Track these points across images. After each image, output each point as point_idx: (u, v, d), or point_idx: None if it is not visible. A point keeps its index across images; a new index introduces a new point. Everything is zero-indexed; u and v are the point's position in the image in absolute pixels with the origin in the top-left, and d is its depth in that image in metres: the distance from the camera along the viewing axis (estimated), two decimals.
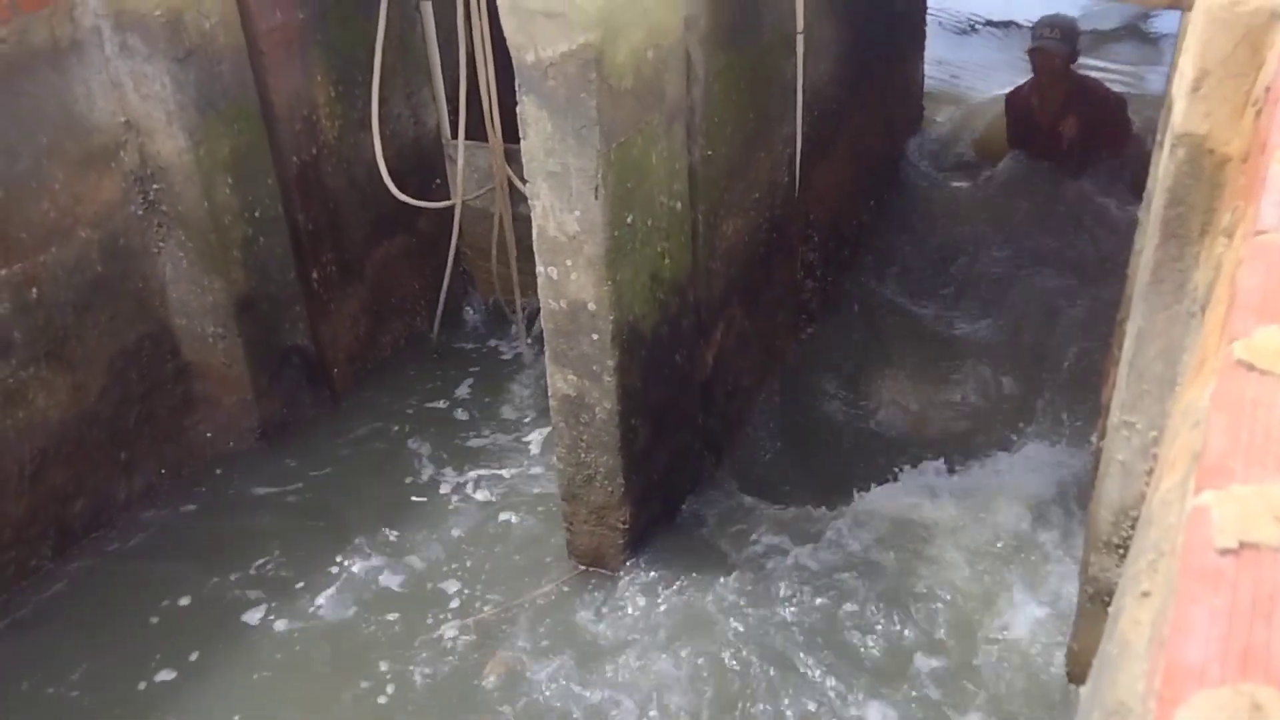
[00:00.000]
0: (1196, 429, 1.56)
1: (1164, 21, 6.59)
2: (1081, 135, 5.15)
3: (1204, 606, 0.95)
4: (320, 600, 3.35)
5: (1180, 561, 1.04)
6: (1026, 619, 3.11)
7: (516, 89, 2.77)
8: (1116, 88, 5.69)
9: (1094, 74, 5.82)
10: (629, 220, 2.91)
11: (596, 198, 2.79)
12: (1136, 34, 6.68)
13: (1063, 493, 3.52)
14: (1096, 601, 2.39)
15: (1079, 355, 4.18)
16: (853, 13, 4.26)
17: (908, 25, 5.61)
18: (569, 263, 2.90)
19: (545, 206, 2.87)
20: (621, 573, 3.33)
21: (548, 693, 3.01)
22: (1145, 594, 1.45)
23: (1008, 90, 5.58)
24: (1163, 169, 2.15)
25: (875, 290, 4.73)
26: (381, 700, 3.05)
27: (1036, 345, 4.34)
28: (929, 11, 5.89)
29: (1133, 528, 2.23)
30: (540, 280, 2.98)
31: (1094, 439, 3.34)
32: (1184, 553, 1.04)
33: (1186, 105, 2.02)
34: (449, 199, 4.26)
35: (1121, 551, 2.27)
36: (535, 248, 2.95)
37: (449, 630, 3.23)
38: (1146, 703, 1.06)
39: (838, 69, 4.27)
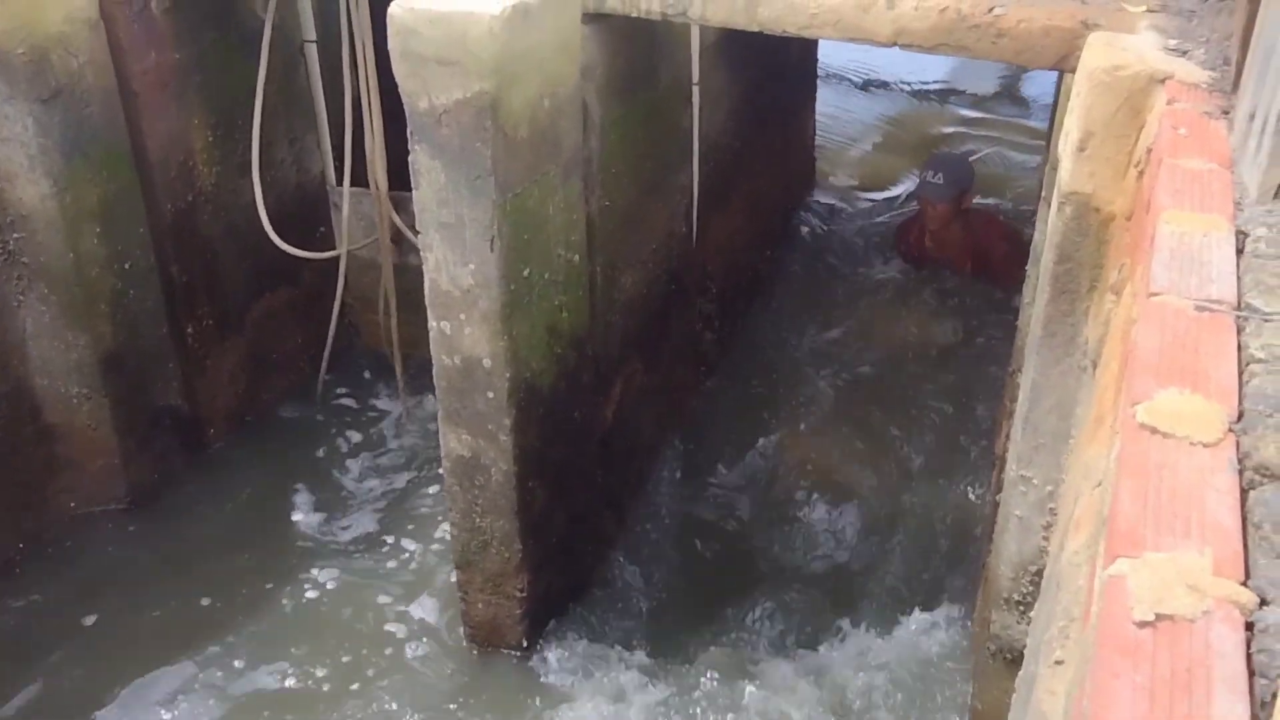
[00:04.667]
0: (1100, 489, 1.57)
1: (1033, 86, 6.99)
2: (976, 273, 4.88)
3: (1125, 681, 0.93)
4: (180, 696, 3.12)
5: (1098, 634, 1.02)
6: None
7: (409, 137, 2.68)
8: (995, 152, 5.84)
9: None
10: (525, 273, 2.83)
11: (492, 250, 2.70)
12: (1009, 96, 7.10)
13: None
14: (999, 659, 2.39)
15: (974, 404, 4.25)
16: (746, 65, 4.31)
17: (799, 79, 5.73)
18: (463, 317, 2.80)
19: (438, 259, 2.76)
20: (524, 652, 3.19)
21: None
22: (1059, 662, 1.43)
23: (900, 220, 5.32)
24: (1051, 226, 2.20)
25: (773, 341, 4.73)
26: None
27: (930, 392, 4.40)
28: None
29: (1032, 583, 2.24)
30: (432, 335, 2.87)
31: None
32: (1101, 625, 1.01)
33: (1073, 165, 2.07)
34: (334, 248, 4.10)
35: (1022, 608, 2.27)
36: (427, 301, 2.83)
37: None
38: None
39: (732, 121, 4.30)
